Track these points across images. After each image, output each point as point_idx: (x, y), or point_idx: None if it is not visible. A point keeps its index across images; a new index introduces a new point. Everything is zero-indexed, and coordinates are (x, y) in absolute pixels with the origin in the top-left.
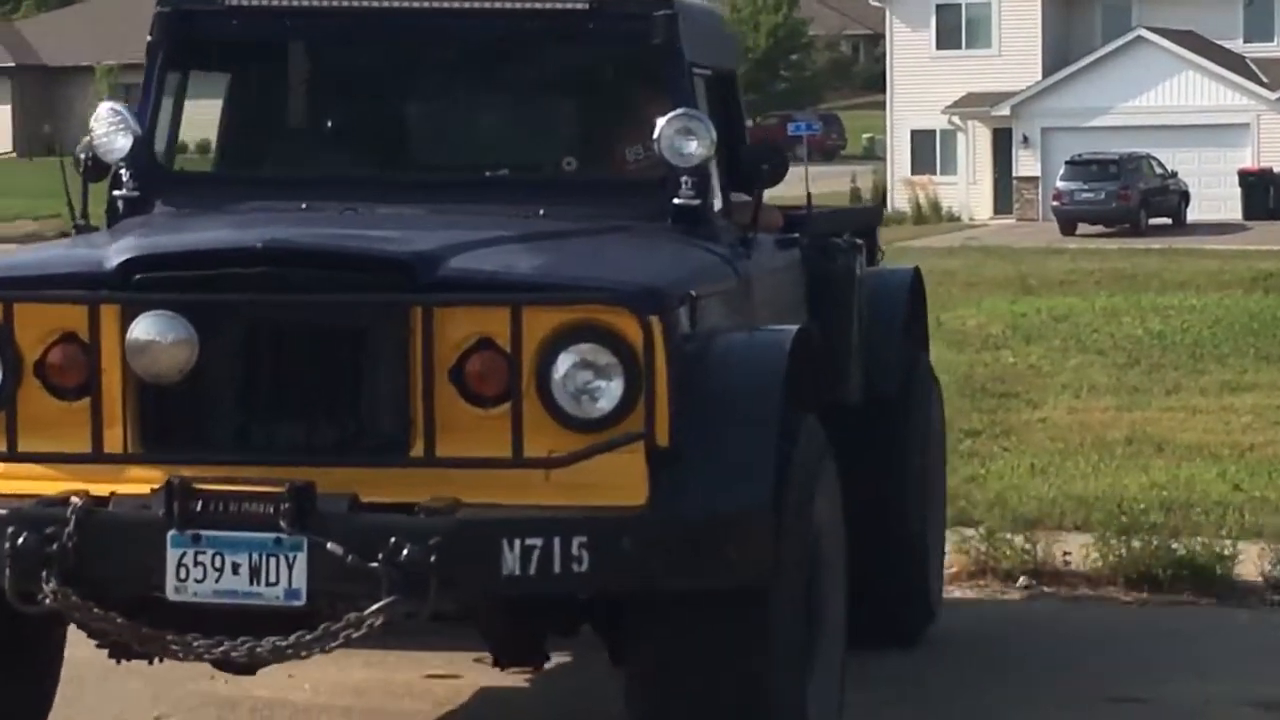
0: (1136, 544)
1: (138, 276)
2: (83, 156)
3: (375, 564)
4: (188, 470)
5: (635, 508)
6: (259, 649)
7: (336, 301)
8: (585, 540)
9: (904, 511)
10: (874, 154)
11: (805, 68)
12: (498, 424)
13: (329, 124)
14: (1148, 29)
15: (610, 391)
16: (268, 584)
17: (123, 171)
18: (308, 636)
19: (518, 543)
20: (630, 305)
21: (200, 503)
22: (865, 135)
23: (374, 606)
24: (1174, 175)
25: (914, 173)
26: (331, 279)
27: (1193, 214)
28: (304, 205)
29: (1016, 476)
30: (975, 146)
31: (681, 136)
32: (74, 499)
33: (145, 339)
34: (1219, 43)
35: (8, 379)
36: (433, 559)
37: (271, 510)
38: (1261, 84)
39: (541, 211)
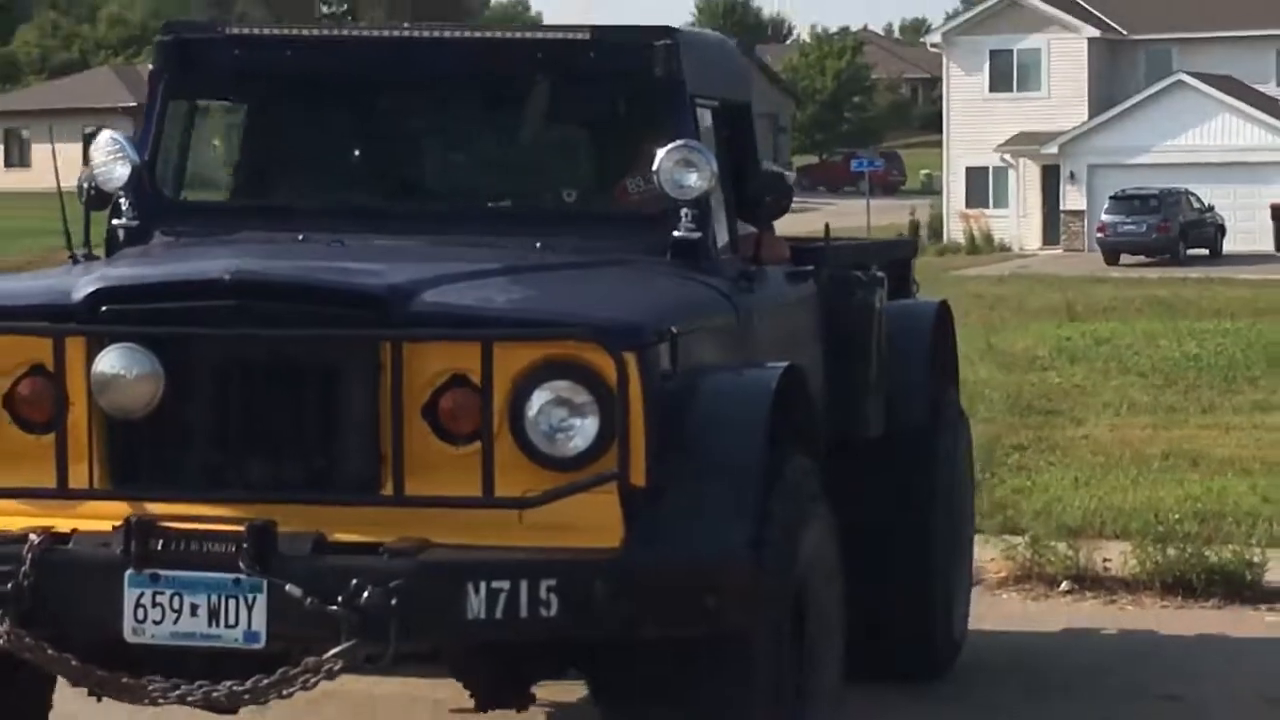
0: (1171, 552)
1: (104, 309)
2: (85, 185)
3: (335, 607)
4: (154, 507)
5: (610, 550)
6: (215, 694)
7: (305, 336)
8: (554, 584)
9: (928, 545)
10: (931, 189)
11: (868, 109)
12: (471, 462)
13: (330, 154)
14: (1187, 74)
15: (585, 430)
16: (227, 626)
17: (122, 200)
18: (265, 681)
19: (483, 585)
20: (605, 341)
21: (159, 542)
22: (923, 171)
23: (332, 651)
24: (1210, 209)
25: (968, 206)
26: (301, 312)
27: (1228, 245)
28: (300, 236)
29: (1060, 488)
30: (1025, 182)
31: (681, 168)
32: (32, 537)
33: (110, 373)
34: (1254, 86)
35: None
36: (393, 602)
37: (231, 550)
38: None
39: (539, 244)
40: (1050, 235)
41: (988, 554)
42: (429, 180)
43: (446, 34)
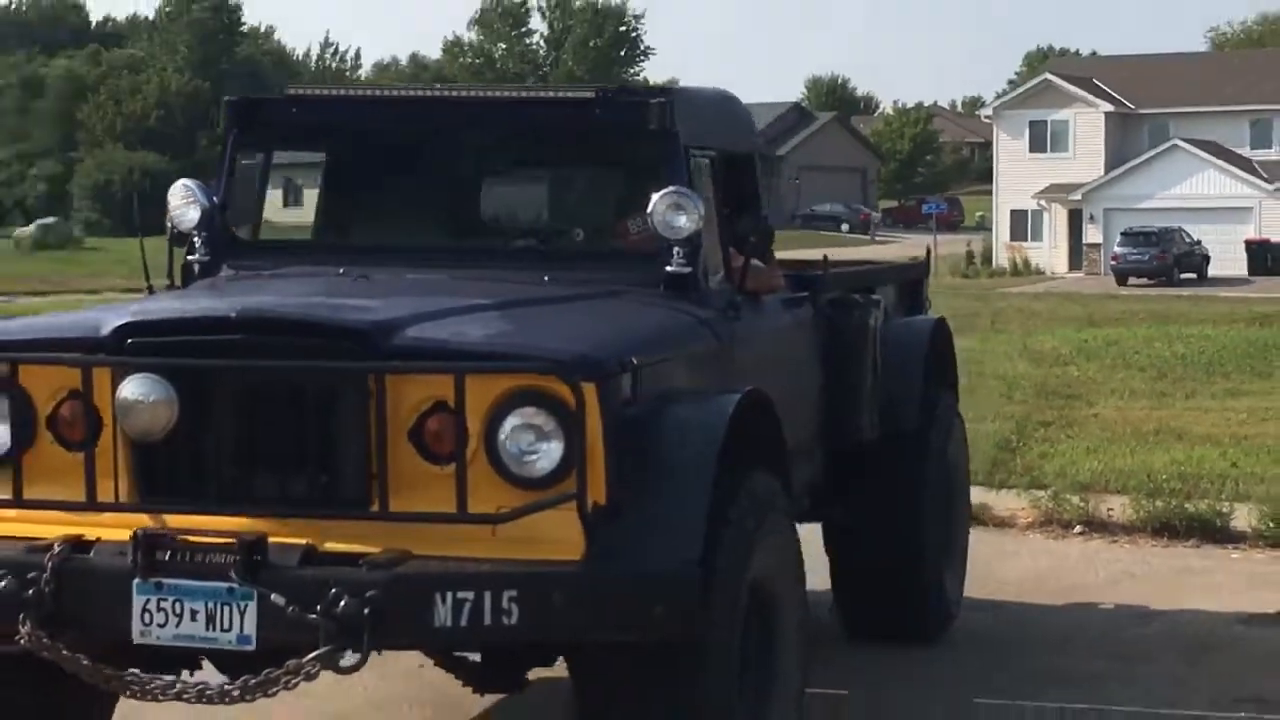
0: (1160, 503)
1: (130, 341)
2: (170, 226)
3: (313, 615)
4: (169, 519)
5: (571, 563)
6: (208, 692)
7: (296, 367)
8: (515, 594)
9: (920, 531)
10: (984, 226)
11: (936, 165)
12: (452, 481)
13: (373, 198)
14: (1181, 139)
15: (550, 453)
16: (222, 630)
17: (195, 239)
18: (252, 681)
19: (450, 596)
20: (563, 373)
21: (163, 553)
22: (978, 213)
23: (310, 655)
24: (1198, 243)
25: (1012, 239)
26: (297, 345)
27: (1212, 271)
28: (340, 270)
29: (1075, 454)
30: (1055, 222)
31: (672, 211)
32: (54, 546)
33: (131, 399)
34: (1232, 149)
35: (22, 431)
36: (365, 611)
37: (225, 562)
38: (1262, 178)
39: (546, 278)
40: (1075, 262)
41: (1019, 504)
42: (460, 221)
43: (473, 94)
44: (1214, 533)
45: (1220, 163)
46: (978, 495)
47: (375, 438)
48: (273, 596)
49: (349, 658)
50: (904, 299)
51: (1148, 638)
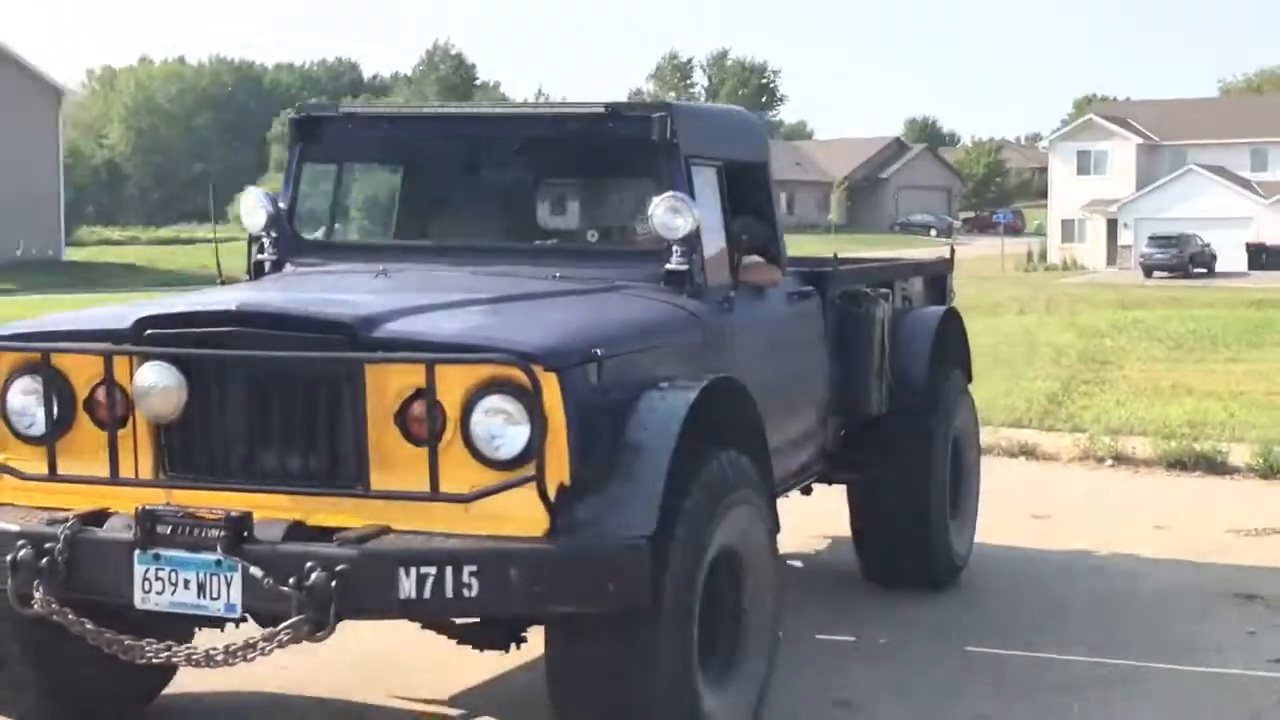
0: (1173, 443)
1: (148, 332)
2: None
3: (286, 587)
4: (181, 494)
5: (532, 539)
6: (194, 655)
7: (285, 357)
8: (476, 569)
9: (927, 493)
10: (1040, 232)
11: (1004, 184)
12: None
13: (417, 202)
14: (1195, 165)
15: (516, 436)
16: (211, 598)
17: (264, 240)
18: (234, 647)
19: (414, 570)
20: (522, 365)
21: (163, 527)
22: (1036, 222)
23: (283, 625)
24: (1208, 245)
25: (1062, 243)
26: (290, 337)
27: (1219, 267)
28: (382, 268)
29: (1108, 405)
30: (1096, 229)
31: (670, 214)
32: (70, 518)
33: (145, 384)
34: (1236, 172)
35: (63, 413)
36: (333, 584)
37: (213, 536)
38: (1259, 195)
39: (558, 274)
40: (1110, 260)
41: (1064, 443)
42: (491, 222)
43: (500, 110)
44: (1215, 467)
45: (1226, 183)
46: (1032, 436)
47: (359, 422)
48: (252, 569)
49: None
50: (929, 291)
51: (1162, 545)
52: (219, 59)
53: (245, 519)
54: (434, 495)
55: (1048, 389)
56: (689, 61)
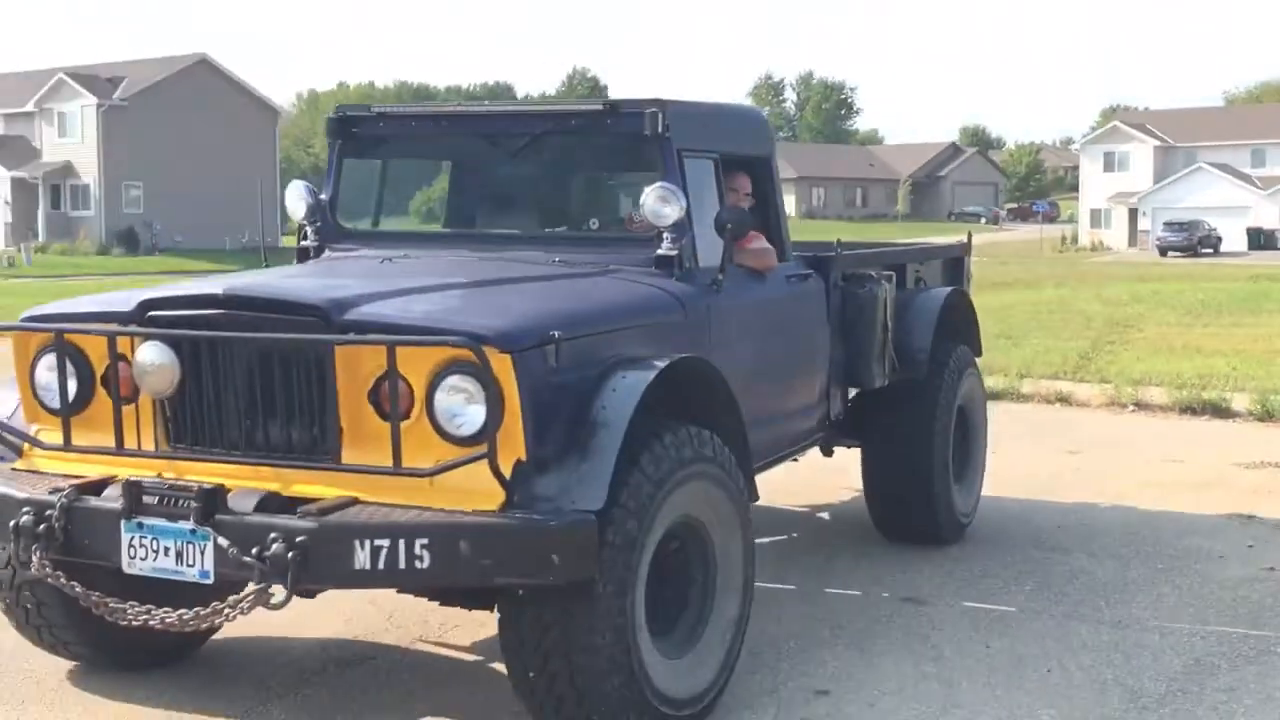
0: (1184, 392)
1: (149, 314)
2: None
3: (249, 557)
4: (174, 465)
5: (484, 513)
6: (168, 618)
7: (261, 337)
8: (427, 542)
9: (930, 457)
10: (1072, 220)
11: (1042, 180)
12: (405, 437)
13: (435, 193)
14: (1204, 163)
15: (473, 415)
16: (188, 565)
17: (307, 228)
18: (203, 612)
19: (368, 543)
20: (474, 346)
21: (147, 498)
22: (1068, 212)
23: (244, 593)
24: (1214, 229)
25: (1091, 228)
26: (270, 319)
27: (1224, 248)
28: (405, 252)
29: (1129, 361)
30: (1119, 216)
31: (659, 203)
32: (68, 487)
33: (143, 363)
34: (1238, 168)
35: (82, 388)
36: (291, 554)
37: (187, 507)
38: (1258, 187)
39: (557, 259)
40: (1132, 242)
41: (1093, 392)
42: (504, 211)
43: (512, 109)
44: (1220, 412)
45: (1229, 178)
46: (1066, 386)
47: (332, 399)
48: (219, 539)
49: (279, 596)
50: (947, 272)
51: (1176, 475)
52: (400, 82)
53: (217, 491)
54: (397, 470)
55: (1079, 348)
56: (780, 81)
